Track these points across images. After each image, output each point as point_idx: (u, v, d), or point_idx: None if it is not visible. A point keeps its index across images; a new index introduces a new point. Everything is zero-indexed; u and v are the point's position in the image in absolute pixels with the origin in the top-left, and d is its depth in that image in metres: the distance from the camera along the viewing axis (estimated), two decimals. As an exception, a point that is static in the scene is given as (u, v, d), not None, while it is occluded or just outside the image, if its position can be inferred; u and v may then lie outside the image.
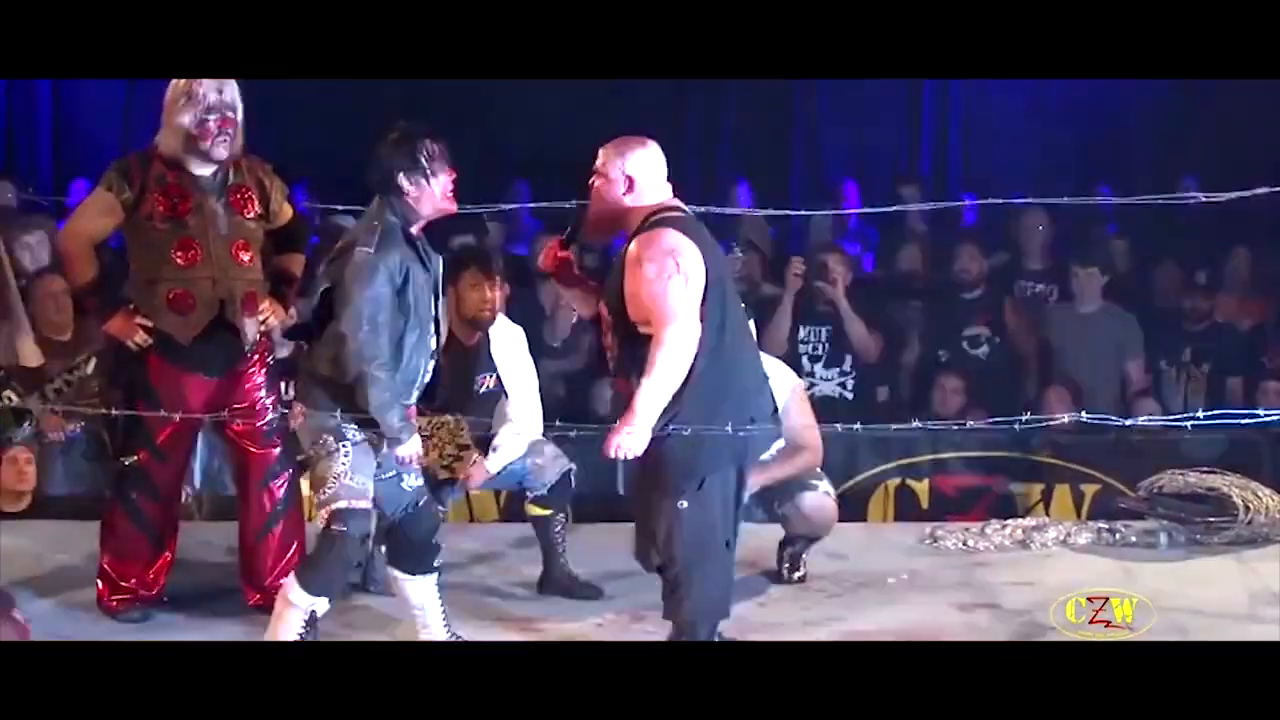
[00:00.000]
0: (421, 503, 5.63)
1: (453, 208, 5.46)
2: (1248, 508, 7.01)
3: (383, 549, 5.78)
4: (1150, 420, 8.22)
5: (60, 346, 7.85)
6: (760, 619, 6.19)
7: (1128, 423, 6.65)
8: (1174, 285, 9.25)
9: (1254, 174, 6.22)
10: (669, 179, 5.37)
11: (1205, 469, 7.22)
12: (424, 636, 5.64)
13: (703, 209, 7.89)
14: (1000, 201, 7.16)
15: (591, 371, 8.27)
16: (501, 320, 6.64)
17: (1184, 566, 6.83)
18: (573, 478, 6.50)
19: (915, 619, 6.16)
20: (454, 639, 5.64)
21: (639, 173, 5.29)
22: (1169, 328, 9.02)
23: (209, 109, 5.85)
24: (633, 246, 5.21)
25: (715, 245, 5.32)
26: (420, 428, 6.38)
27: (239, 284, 5.96)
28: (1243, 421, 7.98)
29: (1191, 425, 7.52)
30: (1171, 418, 8.22)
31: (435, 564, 5.66)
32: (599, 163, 5.33)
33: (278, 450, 6.11)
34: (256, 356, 6.06)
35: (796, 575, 6.64)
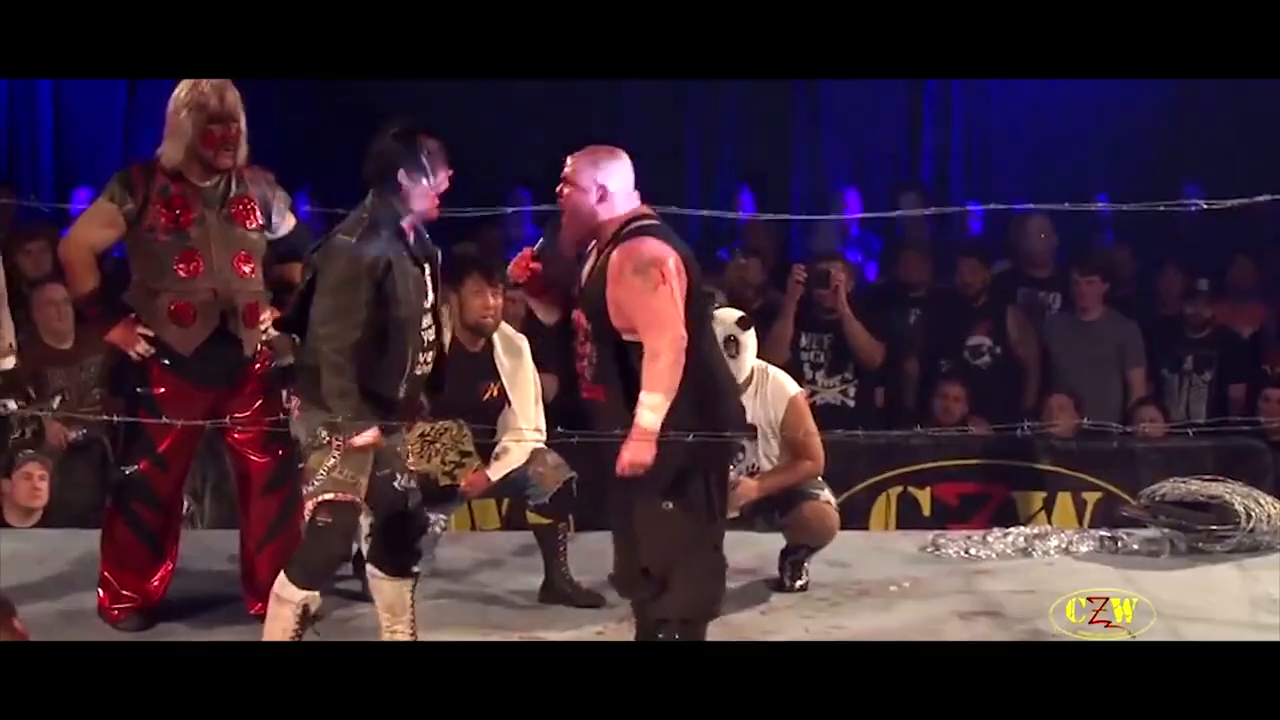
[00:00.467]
0: (412, 505, 5.63)
1: (434, 214, 5.46)
2: (1250, 515, 7.01)
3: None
4: (1152, 428, 8.27)
5: (61, 355, 7.87)
6: (761, 627, 6.20)
7: (1129, 430, 6.69)
8: (1176, 292, 9.25)
9: (1256, 180, 6.22)
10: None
11: (1207, 477, 7.22)
12: (386, 639, 5.62)
13: (705, 214, 7.98)
14: (1003, 207, 7.15)
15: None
16: (505, 328, 6.66)
17: (1186, 574, 6.82)
18: (574, 487, 6.50)
19: (917, 627, 6.16)
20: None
21: (611, 182, 5.30)
22: (1171, 335, 9.03)
23: (212, 118, 5.85)
24: (615, 255, 5.23)
25: (690, 251, 5.35)
26: (424, 433, 6.42)
27: (240, 296, 5.96)
28: (1244, 429, 8.03)
29: (1193, 432, 7.56)
30: (1173, 425, 8.27)
31: (415, 569, 5.65)
32: (568, 172, 5.33)
33: (279, 459, 6.10)
34: (257, 366, 6.06)
35: (798, 583, 6.63)
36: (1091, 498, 8.21)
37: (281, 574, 5.48)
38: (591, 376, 5.33)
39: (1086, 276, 8.86)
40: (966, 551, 7.16)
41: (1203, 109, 10.70)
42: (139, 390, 6.01)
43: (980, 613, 6.35)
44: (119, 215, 5.92)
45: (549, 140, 5.41)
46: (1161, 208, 6.36)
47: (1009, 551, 7.17)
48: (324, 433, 5.39)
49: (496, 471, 6.54)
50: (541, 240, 5.53)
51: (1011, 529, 7.41)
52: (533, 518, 6.55)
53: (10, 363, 5.99)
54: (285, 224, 6.12)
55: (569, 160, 5.35)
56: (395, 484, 5.56)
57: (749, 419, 6.59)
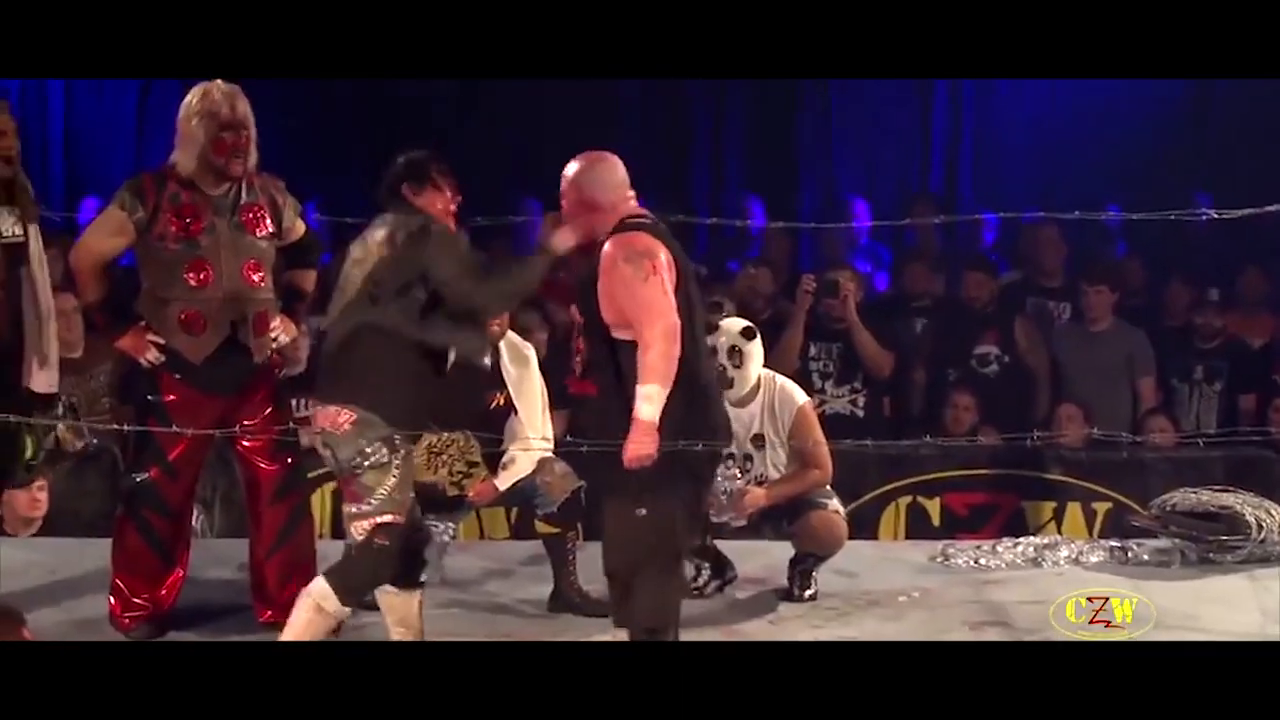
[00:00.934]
0: (414, 517, 5.64)
1: (451, 228, 5.55)
2: (1260, 526, 7.00)
3: None
4: (1162, 438, 8.26)
5: (71, 364, 7.87)
6: (770, 636, 6.20)
7: (1139, 440, 6.67)
8: (1185, 302, 9.24)
9: (1267, 190, 6.22)
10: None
11: (1218, 487, 7.21)
12: None
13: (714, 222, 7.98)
14: (1013, 215, 7.15)
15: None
16: (511, 336, 6.65)
17: (1196, 585, 6.81)
18: (583, 495, 6.50)
19: (926, 637, 6.15)
20: None
21: (607, 185, 5.32)
22: (1181, 345, 9.01)
23: (224, 125, 5.86)
24: (608, 248, 5.26)
25: (683, 251, 5.36)
26: (430, 445, 6.42)
27: (251, 304, 5.97)
28: (1255, 439, 8.02)
29: (1203, 443, 7.55)
30: (1183, 435, 8.26)
31: (422, 579, 5.67)
32: (567, 178, 5.37)
33: (288, 466, 6.11)
34: (268, 374, 6.07)
35: (807, 593, 6.63)
36: (1101, 508, 8.19)
37: (323, 582, 5.45)
38: (581, 371, 5.36)
39: (1095, 286, 8.85)
40: (976, 561, 7.16)
41: (1213, 119, 10.69)
42: (149, 398, 6.02)
43: (989, 623, 6.34)
44: (129, 223, 5.92)
45: (558, 151, 5.44)
46: (1172, 217, 6.35)
47: (1019, 562, 7.16)
48: (385, 451, 5.40)
49: (504, 481, 6.54)
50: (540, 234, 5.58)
51: (1021, 539, 7.39)
52: (541, 527, 6.55)
53: (45, 387, 5.88)
54: (295, 231, 6.13)
55: (566, 167, 5.38)
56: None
57: (757, 429, 6.60)
